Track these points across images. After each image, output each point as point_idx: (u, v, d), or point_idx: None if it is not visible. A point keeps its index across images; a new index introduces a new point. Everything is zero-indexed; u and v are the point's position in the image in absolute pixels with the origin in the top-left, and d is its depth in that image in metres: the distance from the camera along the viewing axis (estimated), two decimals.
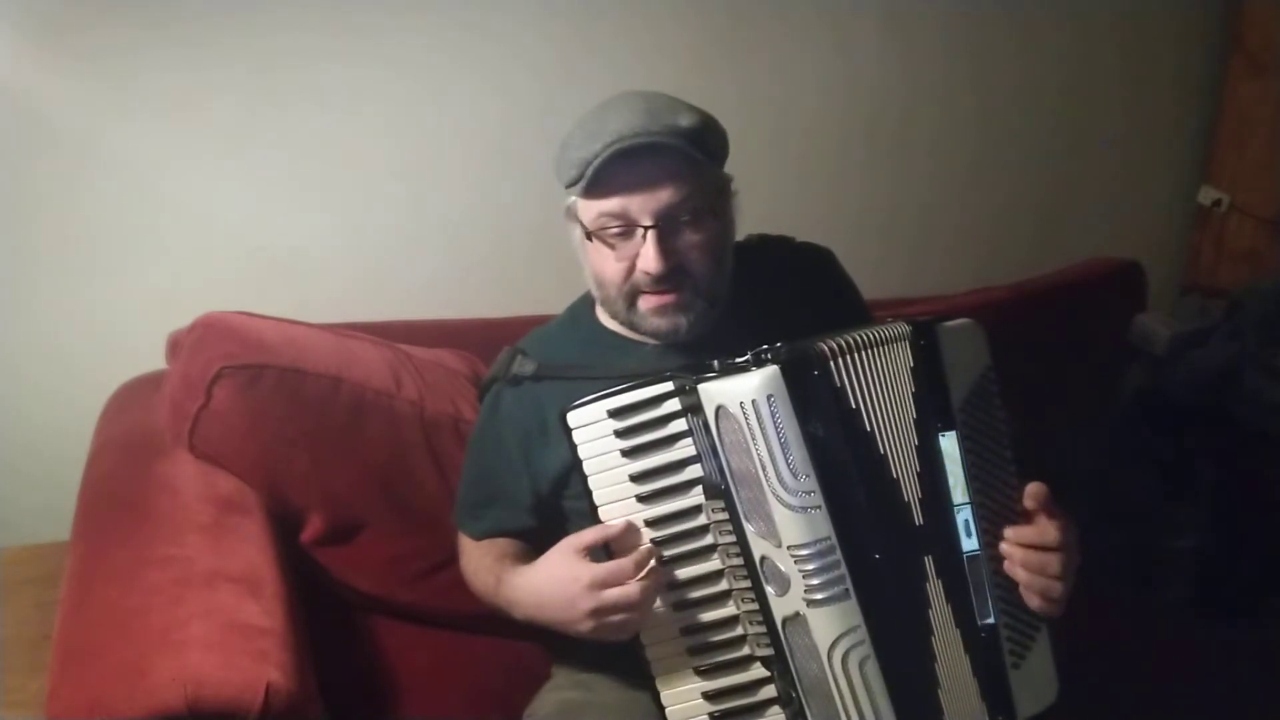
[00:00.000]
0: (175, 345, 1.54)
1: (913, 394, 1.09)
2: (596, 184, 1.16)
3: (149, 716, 0.99)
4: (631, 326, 1.25)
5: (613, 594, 1.07)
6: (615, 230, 1.17)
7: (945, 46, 2.23)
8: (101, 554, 1.24)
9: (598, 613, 1.07)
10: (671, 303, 1.19)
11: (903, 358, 1.09)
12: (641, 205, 1.15)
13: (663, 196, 1.15)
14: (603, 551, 1.11)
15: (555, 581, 1.12)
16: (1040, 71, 2.34)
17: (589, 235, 1.20)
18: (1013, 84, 2.32)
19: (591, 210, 1.18)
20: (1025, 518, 1.11)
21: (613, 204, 1.16)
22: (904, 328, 1.09)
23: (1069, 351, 2.03)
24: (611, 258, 1.19)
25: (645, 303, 1.20)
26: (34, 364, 1.70)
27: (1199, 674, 1.59)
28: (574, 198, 1.21)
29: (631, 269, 1.18)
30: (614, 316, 1.27)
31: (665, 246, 1.16)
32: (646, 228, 1.15)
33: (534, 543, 1.28)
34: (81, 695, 1.03)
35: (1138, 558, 1.96)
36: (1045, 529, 1.09)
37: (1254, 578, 1.99)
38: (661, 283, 1.17)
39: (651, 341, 1.26)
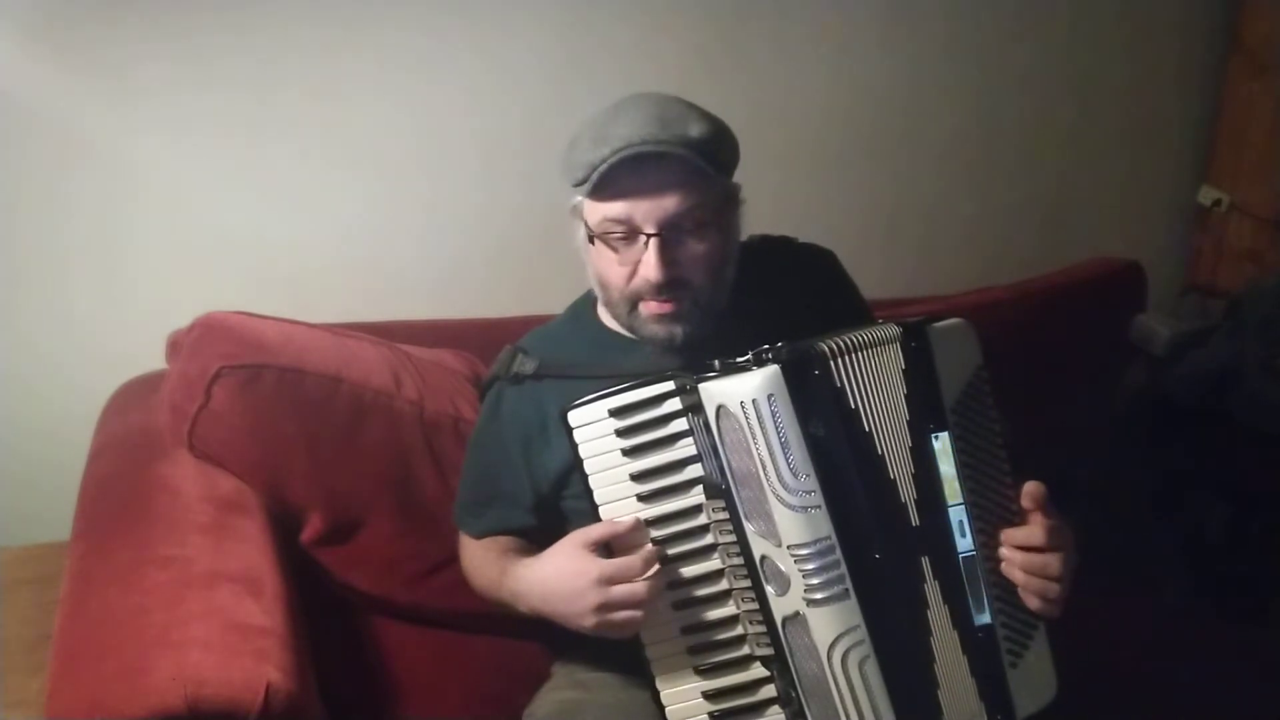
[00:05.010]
0: (175, 345, 1.54)
1: (905, 396, 1.09)
2: (602, 188, 1.16)
3: (149, 716, 0.99)
4: (631, 329, 1.25)
5: (619, 590, 1.07)
6: (618, 235, 1.17)
7: (946, 47, 2.23)
8: (101, 554, 1.24)
9: (603, 608, 1.08)
10: (670, 312, 1.19)
11: (894, 360, 1.09)
12: (646, 213, 1.15)
13: (668, 205, 1.15)
14: (606, 548, 1.11)
15: (562, 575, 1.12)
16: (1040, 71, 2.34)
17: (592, 238, 1.20)
18: (1013, 84, 2.32)
19: (596, 213, 1.18)
20: (1020, 517, 1.11)
21: (618, 209, 1.16)
22: (894, 330, 1.09)
23: (1069, 351, 2.03)
24: (614, 261, 1.19)
25: (646, 309, 1.20)
26: (34, 364, 1.70)
27: (1199, 674, 1.59)
28: (580, 197, 1.21)
29: (633, 274, 1.18)
30: (616, 318, 1.27)
31: (667, 256, 1.16)
32: (649, 235, 1.15)
33: (534, 542, 1.28)
34: (81, 695, 1.03)
35: (1138, 558, 1.96)
36: (1033, 531, 1.10)
37: (1255, 578, 1.99)
38: (662, 291, 1.17)
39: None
